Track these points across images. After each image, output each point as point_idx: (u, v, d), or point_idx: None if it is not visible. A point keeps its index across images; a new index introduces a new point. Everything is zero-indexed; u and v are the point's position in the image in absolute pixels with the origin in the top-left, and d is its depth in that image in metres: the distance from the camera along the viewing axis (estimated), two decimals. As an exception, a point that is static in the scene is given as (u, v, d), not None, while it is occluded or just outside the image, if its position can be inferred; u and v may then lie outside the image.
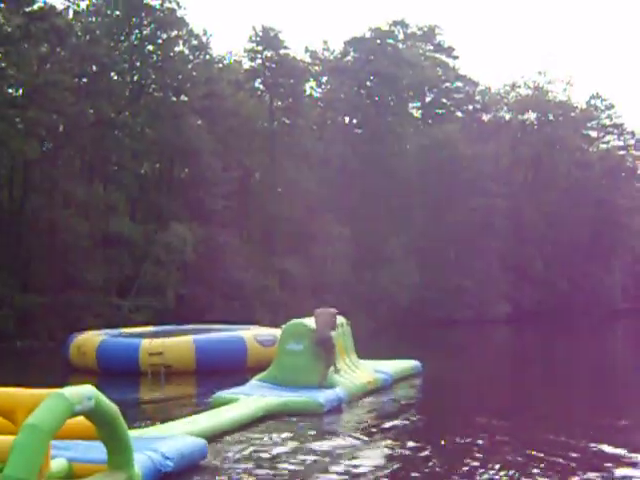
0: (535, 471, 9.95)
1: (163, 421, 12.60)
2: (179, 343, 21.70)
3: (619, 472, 10.05)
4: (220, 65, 51.69)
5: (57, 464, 8.44)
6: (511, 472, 9.71)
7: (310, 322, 16.31)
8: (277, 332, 22.59)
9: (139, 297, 37.63)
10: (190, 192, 43.50)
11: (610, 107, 72.57)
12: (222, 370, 20.14)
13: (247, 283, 42.92)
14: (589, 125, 71.84)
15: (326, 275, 47.34)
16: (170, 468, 8.96)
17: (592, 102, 72.27)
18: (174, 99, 43.53)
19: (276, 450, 10.85)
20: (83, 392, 7.65)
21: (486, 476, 9.61)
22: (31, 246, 37.07)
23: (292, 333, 16.12)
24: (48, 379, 17.82)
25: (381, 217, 52.74)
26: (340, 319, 17.60)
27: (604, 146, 73.43)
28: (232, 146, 47.28)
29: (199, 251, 39.86)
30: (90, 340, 22.70)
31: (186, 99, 43.84)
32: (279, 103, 51.36)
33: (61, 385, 8.00)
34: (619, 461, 10.65)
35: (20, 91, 38.37)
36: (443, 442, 11.60)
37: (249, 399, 13.93)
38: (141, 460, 8.61)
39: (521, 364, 26.80)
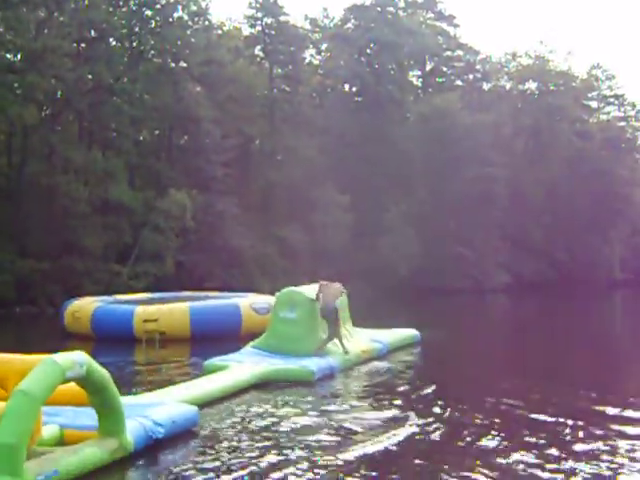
0: (541, 434, 9.94)
1: (156, 388, 12.48)
2: (174, 310, 21.56)
3: (620, 429, 10.23)
4: (219, 32, 51.32)
5: (48, 430, 8.35)
6: (514, 433, 9.68)
7: (304, 290, 16.16)
8: (273, 300, 22.62)
9: (138, 264, 37.57)
10: (189, 159, 43.32)
11: (611, 78, 72.10)
12: (217, 337, 20.01)
13: (246, 251, 42.84)
14: (590, 95, 71.34)
15: (325, 243, 47.20)
16: (161, 435, 8.86)
17: (593, 72, 71.76)
18: (173, 65, 43.17)
19: (266, 417, 10.75)
20: (75, 358, 7.53)
21: (486, 440, 9.53)
22: (30, 212, 36.83)
23: (286, 301, 15.96)
24: (45, 345, 17.73)
25: (381, 185, 52.49)
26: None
27: (604, 117, 73.03)
28: (231, 113, 46.99)
29: (198, 218, 39.71)
30: (85, 306, 22.58)
31: (185, 65, 43.47)
32: (279, 70, 51.02)
33: (56, 351, 7.89)
34: (620, 420, 10.83)
35: (18, 56, 38.04)
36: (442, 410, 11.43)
37: (241, 367, 13.79)
38: (132, 426, 8.51)
39: (520, 332, 26.68)
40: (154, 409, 9.29)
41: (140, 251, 37.88)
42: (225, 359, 14.55)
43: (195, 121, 42.24)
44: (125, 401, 9.12)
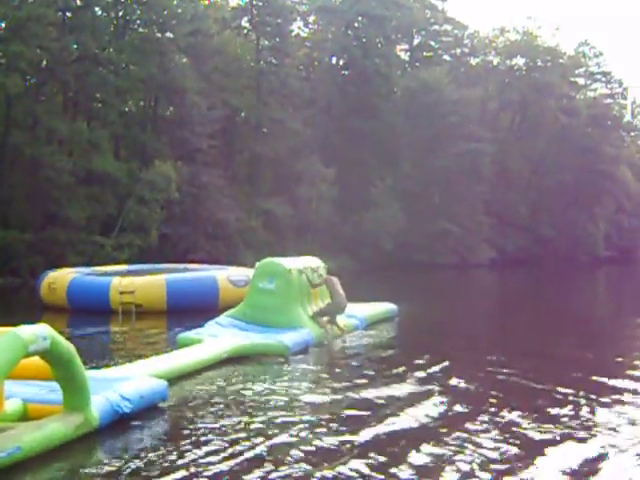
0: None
1: (128, 361, 12.29)
2: (151, 282, 21.35)
3: (603, 399, 10.33)
4: (206, 2, 50.65)
5: (11, 404, 8.14)
6: (485, 400, 9.61)
7: (284, 261, 15.99)
8: (250, 272, 22.46)
9: (122, 235, 37.34)
10: (175, 130, 42.94)
11: (598, 55, 71.97)
12: (194, 310, 19.82)
13: (231, 223, 42.66)
14: (577, 72, 71.23)
15: (310, 216, 47.17)
16: (129, 409, 8.61)
17: (580, 49, 71.63)
18: (159, 36, 42.58)
19: (237, 392, 10.54)
20: (38, 331, 7.33)
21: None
22: (13, 182, 36.56)
23: (265, 271, 15.75)
24: (21, 317, 17.53)
25: (367, 159, 52.39)
26: (317, 262, 17.32)
27: (591, 94, 72.92)
28: (217, 85, 46.61)
29: (183, 190, 39.53)
30: (61, 278, 22.33)
31: (171, 36, 42.91)
32: (266, 42, 50.59)
33: (31, 323, 7.72)
34: (602, 391, 10.89)
35: (2, 25, 37.44)
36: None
37: (214, 340, 13.58)
38: (98, 401, 8.26)
39: (502, 307, 26.66)
40: (122, 383, 9.04)
41: (124, 222, 37.65)
42: (199, 332, 14.35)
43: (181, 92, 41.85)
44: (92, 375, 8.96)
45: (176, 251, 38.32)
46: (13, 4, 36.61)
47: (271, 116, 48.70)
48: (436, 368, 12.38)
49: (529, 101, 63.69)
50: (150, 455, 7.71)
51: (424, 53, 63.74)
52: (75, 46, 39.15)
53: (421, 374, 11.90)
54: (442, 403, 10.03)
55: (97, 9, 41.59)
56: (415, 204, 52.72)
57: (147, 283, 21.21)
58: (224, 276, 22.08)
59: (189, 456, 7.66)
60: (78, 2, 39.96)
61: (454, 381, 11.39)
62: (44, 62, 38.46)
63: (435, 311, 23.12)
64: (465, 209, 55.82)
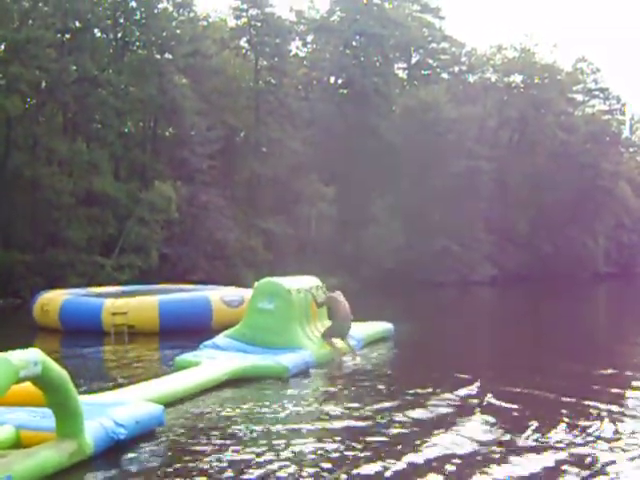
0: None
1: (122, 384, 12.16)
2: (143, 303, 21.23)
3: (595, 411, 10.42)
4: (205, 23, 50.80)
5: (3, 431, 7.99)
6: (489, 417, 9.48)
7: (284, 281, 15.86)
8: (244, 292, 22.27)
9: (122, 256, 37.23)
10: (174, 151, 43.01)
11: (596, 71, 71.97)
12: (187, 331, 19.71)
13: (231, 243, 42.61)
14: (575, 89, 71.20)
15: (310, 235, 47.13)
16: (123, 436, 8.44)
17: (578, 66, 71.65)
18: (158, 57, 42.63)
19: (237, 418, 10.33)
20: (29, 357, 7.18)
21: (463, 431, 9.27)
22: (13, 203, 36.44)
23: (264, 291, 15.60)
24: (17, 338, 17.43)
25: (366, 178, 52.22)
26: (316, 282, 17.18)
27: (589, 110, 72.89)
28: (216, 105, 46.59)
29: (183, 210, 39.47)
30: (54, 299, 22.22)
31: (170, 57, 42.96)
32: (264, 62, 50.55)
33: (24, 345, 7.58)
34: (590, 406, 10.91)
35: (2, 47, 37.51)
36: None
37: (212, 362, 13.41)
38: (92, 427, 8.10)
39: (503, 325, 26.38)
40: (116, 408, 8.88)
41: (124, 243, 37.56)
42: (197, 355, 14.20)
43: (180, 113, 41.83)
44: (86, 400, 8.81)
45: (175, 271, 38.21)
46: (12, 26, 36.74)
47: (270, 136, 48.68)
48: (426, 390, 12.20)
49: (527, 118, 63.63)
50: (146, 484, 7.56)
51: (422, 71, 63.80)
52: (74, 67, 39.17)
53: (422, 396, 11.74)
54: (452, 424, 9.87)
55: (96, 31, 41.71)
56: (415, 222, 52.50)
57: (140, 304, 21.09)
58: (217, 296, 21.95)
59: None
60: (77, 24, 39.98)
61: (460, 401, 11.26)
62: (43, 83, 38.50)
63: (434, 330, 22.97)
64: (465, 226, 55.58)
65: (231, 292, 23.10)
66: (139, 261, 36.86)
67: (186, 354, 14.33)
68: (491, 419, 10.16)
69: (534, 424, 9.83)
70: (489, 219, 58.31)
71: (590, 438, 9.23)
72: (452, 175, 54.04)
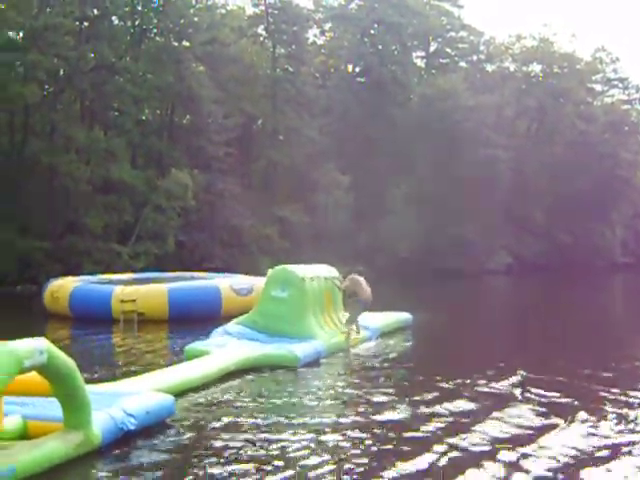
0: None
1: (132, 372, 12.05)
2: (152, 291, 21.20)
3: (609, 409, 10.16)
4: (223, 11, 50.63)
5: (11, 421, 7.85)
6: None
7: (299, 269, 15.68)
8: (255, 281, 22.38)
9: (139, 243, 37.25)
10: (191, 139, 42.90)
11: (615, 60, 71.32)
12: (196, 319, 19.69)
13: (247, 231, 42.58)
14: (594, 78, 70.63)
15: (326, 224, 46.87)
16: (133, 426, 8.30)
17: (597, 55, 70.92)
18: (176, 44, 42.52)
19: (249, 407, 10.20)
20: (34, 346, 7.01)
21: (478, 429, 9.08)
22: (31, 191, 36.45)
23: (278, 279, 15.46)
24: (28, 325, 17.45)
25: (383, 167, 51.99)
26: (330, 271, 17.01)
27: (608, 100, 72.30)
28: (234, 93, 46.51)
29: (200, 198, 39.43)
30: (64, 286, 22.21)
31: (188, 45, 42.85)
32: (282, 50, 50.42)
33: (34, 333, 7.44)
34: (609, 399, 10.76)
35: (20, 34, 37.47)
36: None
37: (222, 352, 13.26)
38: (100, 418, 7.96)
39: (521, 315, 26.13)
40: (126, 398, 8.76)
41: (141, 230, 37.58)
42: (207, 343, 14.07)
43: (197, 101, 41.77)
44: (94, 390, 8.68)
45: (192, 258, 38.21)
46: (30, 14, 36.64)
47: (287, 124, 48.55)
48: (458, 381, 11.97)
49: (546, 107, 63.13)
50: (157, 475, 7.41)
51: (440, 60, 63.46)
52: (92, 55, 39.22)
53: (442, 388, 11.50)
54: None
55: (114, 18, 41.64)
56: (431, 210, 52.24)
57: (149, 292, 21.07)
58: (227, 285, 21.93)
59: (198, 476, 7.33)
60: (95, 11, 39.89)
61: (482, 394, 11.04)
62: (61, 71, 38.54)
63: (453, 319, 22.72)
64: (482, 215, 55.27)
65: (241, 280, 23.07)
66: (155, 248, 36.85)
67: (196, 343, 14.21)
68: (535, 409, 10.03)
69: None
70: (506, 208, 57.99)
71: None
72: (469, 164, 53.74)
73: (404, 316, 19.66)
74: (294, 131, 48.94)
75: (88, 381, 8.39)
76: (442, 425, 9.30)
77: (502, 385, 11.66)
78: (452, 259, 51.57)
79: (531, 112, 64.19)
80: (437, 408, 10.15)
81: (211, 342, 14.22)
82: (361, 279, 16.44)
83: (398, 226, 49.55)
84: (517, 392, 11.13)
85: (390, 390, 11.41)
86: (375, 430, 9.01)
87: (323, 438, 8.68)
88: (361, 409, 10.18)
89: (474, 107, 55.22)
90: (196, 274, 27.04)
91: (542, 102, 62.93)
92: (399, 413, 9.91)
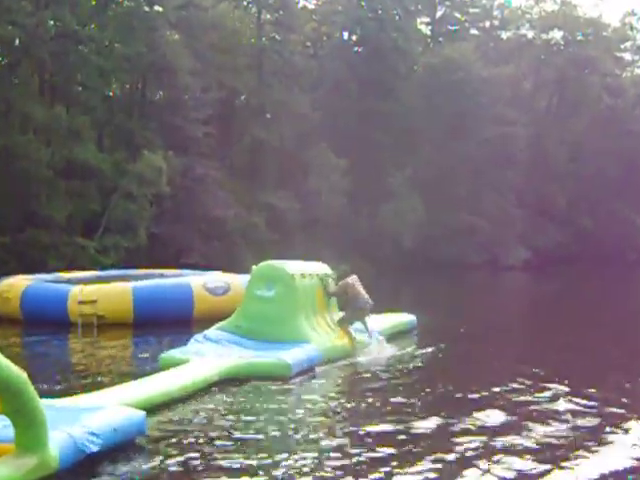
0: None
1: (93, 384, 11.95)
2: (115, 290, 20.97)
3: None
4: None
5: (-43, 443, 7.77)
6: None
7: (287, 265, 15.60)
8: (232, 279, 22.28)
9: (107, 236, 37.13)
10: (165, 116, 42.68)
11: (647, 26, 71.27)
12: (165, 322, 19.56)
13: (230, 221, 42.46)
14: (622, 46, 70.62)
15: (320, 212, 46.90)
16: (97, 447, 8.16)
17: (626, 20, 70.88)
18: (147, 9, 42.37)
19: (231, 425, 10.09)
20: (-22, 358, 6.92)
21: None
22: (-15, 176, 36.39)
23: (263, 276, 15.33)
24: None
25: (383, 147, 52.10)
26: (322, 268, 16.92)
27: (639, 71, 72.28)
28: (213, 64, 46.29)
29: (176, 184, 39.27)
30: (14, 285, 21.91)
31: (161, 10, 42.71)
32: (267, 16, 50.43)
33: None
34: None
35: (-30, 0, 37.29)
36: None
37: (202, 360, 13.19)
38: (59, 438, 7.81)
39: (541, 316, 26.09)
40: (89, 415, 8.62)
41: (109, 221, 37.50)
42: (185, 351, 14.00)
43: (172, 73, 41.63)
44: (52, 405, 8.58)
45: (167, 253, 38.13)
46: (-18, -23, 36.47)
47: (274, 99, 48.50)
48: (474, 396, 11.87)
49: (568, 79, 63.19)
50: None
51: (448, 26, 63.49)
52: (52, 22, 38.95)
53: (455, 402, 11.45)
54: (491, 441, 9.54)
55: (77, -20, 41.37)
56: (438, 196, 52.41)
57: (111, 291, 20.87)
58: (200, 283, 21.82)
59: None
60: (55, -28, 39.70)
61: (495, 410, 10.91)
62: (17, 40, 38.26)
63: (462, 321, 22.51)
64: (495, 201, 55.60)
65: (216, 278, 22.92)
66: (126, 242, 36.76)
67: (173, 350, 14.13)
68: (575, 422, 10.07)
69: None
70: (523, 193, 58.15)
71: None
72: (481, 143, 54.04)
73: (407, 318, 19.56)
74: (282, 107, 48.83)
75: (43, 394, 8.25)
76: (461, 444, 9.21)
77: (526, 398, 11.62)
78: (462, 251, 51.77)
79: (551, 85, 64.29)
80: (451, 423, 10.08)
81: (190, 349, 14.15)
82: (356, 285, 16.22)
83: (401, 214, 49.72)
84: (546, 406, 11.11)
85: (396, 403, 11.33)
86: (379, 451, 8.93)
87: (319, 462, 8.58)
88: (362, 427, 10.03)
89: (487, 79, 55.46)
90: (167, 271, 26.85)
91: (564, 73, 62.99)
92: (407, 430, 9.82)
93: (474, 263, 50.72)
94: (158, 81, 43.81)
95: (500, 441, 9.31)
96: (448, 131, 54.15)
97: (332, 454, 8.85)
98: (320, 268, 16.81)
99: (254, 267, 15.93)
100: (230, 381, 12.72)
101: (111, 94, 44.06)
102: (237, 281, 21.80)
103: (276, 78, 49.10)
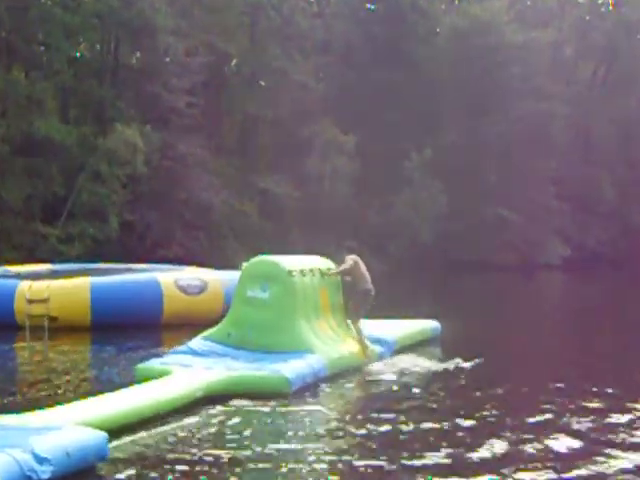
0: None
1: (43, 401, 11.70)
2: (69, 288, 20.84)
3: None
4: None
5: None
6: None
7: (283, 260, 15.44)
8: (210, 275, 22.32)
9: (72, 223, 37.50)
10: (142, 84, 42.92)
11: None
12: (128, 325, 19.53)
13: (217, 208, 42.69)
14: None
15: (322, 199, 47.08)
16: (47, 475, 7.95)
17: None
18: (121, -44, 42.35)
19: (209, 452, 9.82)
20: None
21: None
22: None
23: (256, 275, 15.12)
24: None
25: (398, 124, 52.11)
26: (325, 263, 16.78)
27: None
28: (199, 24, 46.45)
29: (153, 164, 39.59)
30: None
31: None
32: (264, -33, 50.33)
33: None
34: None
35: None
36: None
37: (187, 372, 13.03)
38: (2, 462, 7.64)
39: (581, 325, 25.98)
40: (39, 436, 8.43)
41: (74, 206, 37.80)
42: (166, 362, 13.89)
43: (150, 32, 41.71)
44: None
45: (143, 244, 38.48)
46: None
47: (270, 65, 48.68)
48: (533, 419, 11.57)
49: (618, 46, 63.05)
50: None
51: (477, -18, 63.39)
52: (9, -30, 39.01)
53: (489, 427, 11.13)
54: None
55: None
56: (462, 184, 52.52)
57: (65, 289, 20.72)
58: (171, 280, 21.66)
59: None
60: None
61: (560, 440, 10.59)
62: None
63: (494, 329, 22.51)
64: (529, 191, 55.57)
65: (190, 274, 22.87)
66: (93, 230, 37.02)
67: (152, 360, 14.05)
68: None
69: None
70: (563, 181, 58.13)
71: None
72: (514, 121, 54.06)
73: (430, 325, 19.44)
74: (280, 75, 49.00)
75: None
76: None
77: (595, 424, 11.33)
78: (489, 248, 51.79)
79: (598, 52, 64.23)
80: (484, 454, 9.79)
81: (172, 360, 14.04)
82: (358, 260, 16.41)
83: (418, 204, 49.86)
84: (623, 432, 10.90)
85: (420, 428, 11.03)
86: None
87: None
88: (377, 456, 9.69)
89: (522, 45, 55.46)
90: (137, 266, 26.73)
91: (613, 39, 62.88)
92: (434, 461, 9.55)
93: (503, 263, 50.62)
94: (134, 42, 44.03)
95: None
96: (475, 107, 54.23)
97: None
98: (322, 263, 16.66)
99: (244, 264, 15.78)
100: (216, 399, 12.46)
101: (78, 56, 44.08)
102: (215, 278, 21.89)
103: (273, 41, 49.23)
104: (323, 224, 45.73)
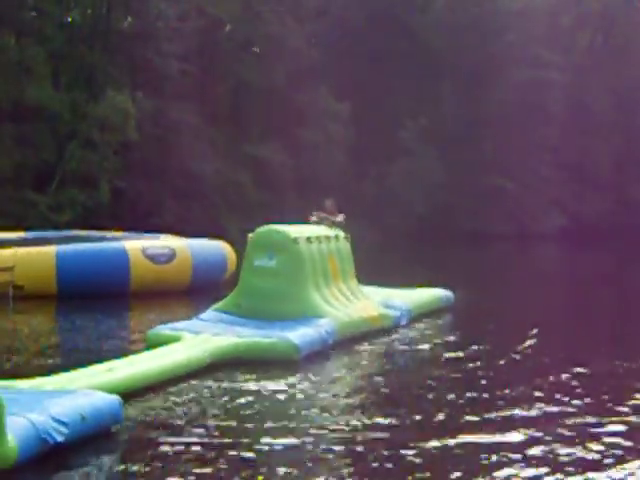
0: None
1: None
2: (36, 255, 20.73)
3: None
4: None
5: None
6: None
7: (290, 229, 15.49)
8: (179, 243, 22.31)
9: (62, 190, 37.56)
10: (134, 49, 43.02)
11: None
12: (94, 294, 19.50)
13: (209, 176, 42.71)
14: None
15: (317, 168, 46.99)
16: (63, 437, 7.96)
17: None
18: None
19: (223, 414, 9.94)
20: None
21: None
22: None
23: (263, 244, 15.21)
24: None
25: (394, 92, 52.15)
26: (334, 230, 16.83)
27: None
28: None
29: (145, 131, 39.61)
30: None
31: None
32: None
33: None
34: None
35: None
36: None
37: (195, 338, 13.08)
38: (17, 425, 7.63)
39: (580, 294, 26.02)
40: (53, 399, 8.44)
41: (65, 173, 37.86)
42: (176, 327, 13.92)
43: (142, -4, 41.65)
44: (8, 386, 8.36)
45: (134, 212, 38.34)
46: None
47: (264, 31, 48.51)
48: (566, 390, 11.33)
49: (616, 13, 63.14)
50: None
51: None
52: None
53: (514, 401, 10.84)
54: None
55: None
56: (459, 153, 52.61)
57: (30, 257, 20.64)
58: (138, 248, 21.45)
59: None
60: None
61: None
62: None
63: (506, 300, 22.59)
64: (526, 160, 55.66)
65: (159, 243, 22.69)
66: (84, 197, 37.07)
67: (161, 326, 14.07)
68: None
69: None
70: (559, 150, 58.17)
71: None
72: (511, 89, 54.34)
73: (442, 293, 19.48)
74: (274, 41, 48.80)
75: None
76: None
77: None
78: (486, 218, 51.96)
79: (595, 20, 64.23)
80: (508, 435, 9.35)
81: (182, 326, 14.09)
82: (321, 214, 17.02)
83: (414, 173, 49.83)
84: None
85: (433, 399, 10.94)
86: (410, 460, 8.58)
87: (326, 463, 8.32)
88: (384, 429, 9.52)
89: (519, 12, 55.78)
90: (112, 234, 26.57)
91: (610, 6, 62.86)
92: (445, 438, 9.41)
93: (501, 232, 50.77)
94: (125, 6, 44.07)
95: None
96: (472, 75, 54.29)
97: (338, 454, 8.60)
98: (329, 232, 16.73)
99: (250, 235, 15.84)
100: (226, 364, 12.57)
101: (70, 21, 44.07)
102: (184, 246, 21.88)
103: (267, 5, 48.98)
104: (317, 194, 45.67)
